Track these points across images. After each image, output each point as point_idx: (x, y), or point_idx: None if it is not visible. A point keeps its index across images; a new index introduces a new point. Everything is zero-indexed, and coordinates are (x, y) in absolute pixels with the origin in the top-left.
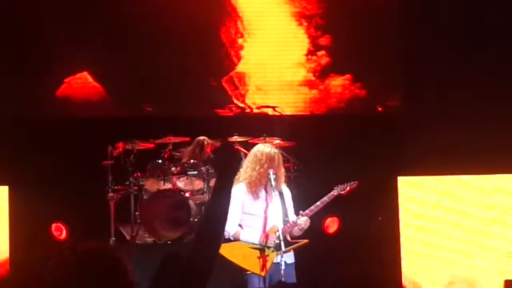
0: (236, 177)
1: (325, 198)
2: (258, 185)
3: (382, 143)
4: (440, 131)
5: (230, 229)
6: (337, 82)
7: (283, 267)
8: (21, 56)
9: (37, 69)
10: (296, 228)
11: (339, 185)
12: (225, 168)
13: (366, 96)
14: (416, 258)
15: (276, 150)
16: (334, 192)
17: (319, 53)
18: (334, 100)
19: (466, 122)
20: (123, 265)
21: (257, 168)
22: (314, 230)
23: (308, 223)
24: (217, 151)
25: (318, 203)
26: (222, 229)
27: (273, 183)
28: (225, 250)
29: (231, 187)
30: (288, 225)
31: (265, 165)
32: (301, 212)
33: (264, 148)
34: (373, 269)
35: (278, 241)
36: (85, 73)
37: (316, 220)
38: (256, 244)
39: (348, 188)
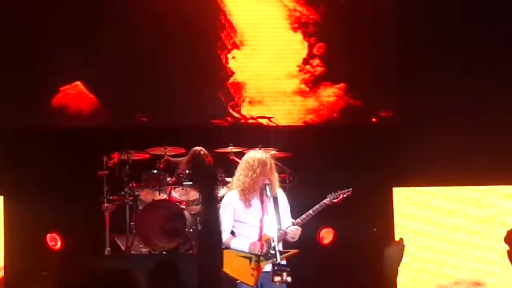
0: (229, 184)
1: (317, 206)
2: (251, 191)
3: (377, 153)
4: (435, 141)
5: (223, 237)
6: (332, 92)
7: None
8: (16, 66)
9: (32, 79)
10: (288, 236)
11: (331, 193)
12: (203, 188)
13: (361, 106)
14: (410, 270)
15: (268, 155)
16: (326, 201)
17: (314, 62)
18: (329, 111)
19: (462, 132)
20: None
21: (249, 174)
22: (309, 241)
23: (299, 232)
24: (191, 167)
25: (310, 211)
26: (219, 240)
27: (268, 193)
28: None
29: (215, 202)
30: (279, 234)
31: (258, 170)
32: (292, 221)
33: (256, 154)
34: (368, 280)
35: (268, 250)
36: (79, 83)
37: (311, 231)
38: (246, 253)
39: (341, 196)
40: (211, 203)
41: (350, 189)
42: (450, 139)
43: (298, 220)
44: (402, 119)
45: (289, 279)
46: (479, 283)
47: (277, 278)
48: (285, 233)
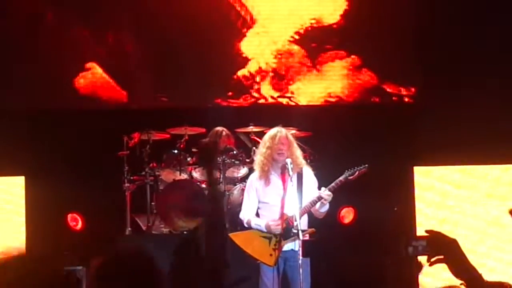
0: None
1: (332, 184)
2: (268, 168)
3: (398, 132)
4: (457, 121)
5: (245, 216)
6: (352, 72)
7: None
8: (36, 46)
9: (53, 59)
10: (322, 200)
11: (348, 170)
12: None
13: (382, 85)
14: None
15: (280, 130)
16: (342, 178)
17: (334, 42)
18: (350, 90)
19: (484, 111)
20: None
21: (262, 151)
22: (330, 220)
23: (330, 198)
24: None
25: (329, 187)
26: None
27: (290, 172)
28: (238, 238)
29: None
30: (301, 211)
31: (267, 145)
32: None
33: (270, 131)
34: (389, 260)
35: (287, 229)
36: (97, 65)
37: (331, 210)
38: (266, 233)
39: (357, 173)
40: (213, 182)
41: (366, 165)
42: (473, 117)
43: (330, 186)
44: (424, 98)
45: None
46: None
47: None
48: (320, 197)
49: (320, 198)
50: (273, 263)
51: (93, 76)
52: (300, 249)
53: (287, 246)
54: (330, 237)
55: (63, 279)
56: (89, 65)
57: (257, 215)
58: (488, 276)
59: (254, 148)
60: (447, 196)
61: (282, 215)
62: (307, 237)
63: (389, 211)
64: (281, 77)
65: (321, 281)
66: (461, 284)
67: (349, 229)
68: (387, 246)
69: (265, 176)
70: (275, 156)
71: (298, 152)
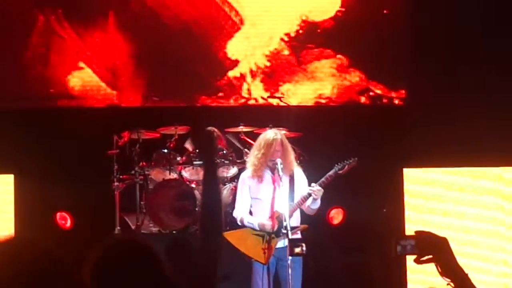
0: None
1: (322, 179)
2: (260, 170)
3: (388, 134)
4: (446, 122)
5: (238, 214)
6: (342, 73)
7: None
8: (26, 45)
9: (43, 58)
10: (313, 195)
11: (337, 164)
12: (205, 159)
13: (372, 86)
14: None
15: (277, 136)
16: (332, 172)
17: (325, 44)
18: (340, 91)
19: (475, 112)
20: (156, 257)
21: (255, 153)
22: (318, 221)
23: (321, 193)
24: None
25: (320, 181)
26: (219, 213)
27: (280, 172)
28: (231, 237)
29: (215, 175)
30: (291, 209)
31: (262, 150)
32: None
33: (266, 134)
34: (377, 260)
35: (279, 227)
36: (85, 64)
37: (320, 211)
38: (258, 230)
39: (346, 167)
40: (210, 178)
41: (356, 159)
42: (462, 121)
43: (320, 182)
44: (414, 100)
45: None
46: None
47: (297, 250)
48: (309, 194)
49: (310, 194)
50: (265, 260)
51: (83, 75)
52: (288, 248)
53: (280, 243)
54: (319, 238)
55: (52, 262)
56: (78, 64)
57: (250, 212)
58: (474, 276)
59: (245, 150)
60: (436, 198)
61: (273, 212)
62: (298, 234)
63: (378, 213)
64: (272, 78)
65: (310, 281)
66: (447, 284)
67: (338, 230)
68: (376, 247)
69: (258, 175)
70: (269, 163)
71: (292, 157)
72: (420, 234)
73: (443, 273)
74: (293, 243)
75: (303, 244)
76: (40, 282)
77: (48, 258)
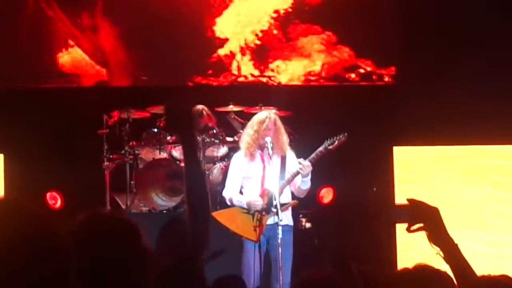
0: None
1: (313, 155)
2: (252, 148)
3: (378, 112)
4: (436, 100)
5: (227, 194)
6: (332, 51)
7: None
8: (16, 23)
9: (32, 38)
10: (300, 171)
11: (327, 139)
12: (182, 134)
13: (361, 63)
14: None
15: (270, 115)
16: (322, 148)
17: (315, 21)
18: (329, 68)
19: (465, 89)
20: (137, 231)
21: (248, 131)
22: (309, 200)
23: (310, 169)
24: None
25: (310, 158)
26: (204, 191)
27: (270, 151)
28: (221, 216)
29: (195, 150)
30: (281, 186)
31: (255, 128)
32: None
33: (259, 114)
34: (367, 239)
35: (269, 204)
36: (74, 43)
37: (311, 191)
38: (246, 209)
39: (336, 142)
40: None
41: (346, 134)
42: (452, 98)
43: (310, 158)
44: (404, 77)
45: (308, 225)
46: None
47: (308, 225)
48: (298, 171)
49: (299, 171)
50: (256, 238)
51: (72, 54)
52: (280, 228)
53: (271, 220)
54: (309, 216)
55: (38, 223)
56: (67, 43)
57: (241, 192)
58: (464, 244)
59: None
60: (426, 175)
61: (263, 190)
62: (289, 210)
63: (368, 191)
64: (261, 55)
65: (301, 258)
66: (437, 253)
67: (328, 209)
68: (367, 225)
69: (251, 154)
70: (261, 141)
71: (284, 139)
72: (412, 202)
73: (433, 242)
74: (305, 217)
75: (305, 219)
76: (28, 244)
77: (36, 220)
